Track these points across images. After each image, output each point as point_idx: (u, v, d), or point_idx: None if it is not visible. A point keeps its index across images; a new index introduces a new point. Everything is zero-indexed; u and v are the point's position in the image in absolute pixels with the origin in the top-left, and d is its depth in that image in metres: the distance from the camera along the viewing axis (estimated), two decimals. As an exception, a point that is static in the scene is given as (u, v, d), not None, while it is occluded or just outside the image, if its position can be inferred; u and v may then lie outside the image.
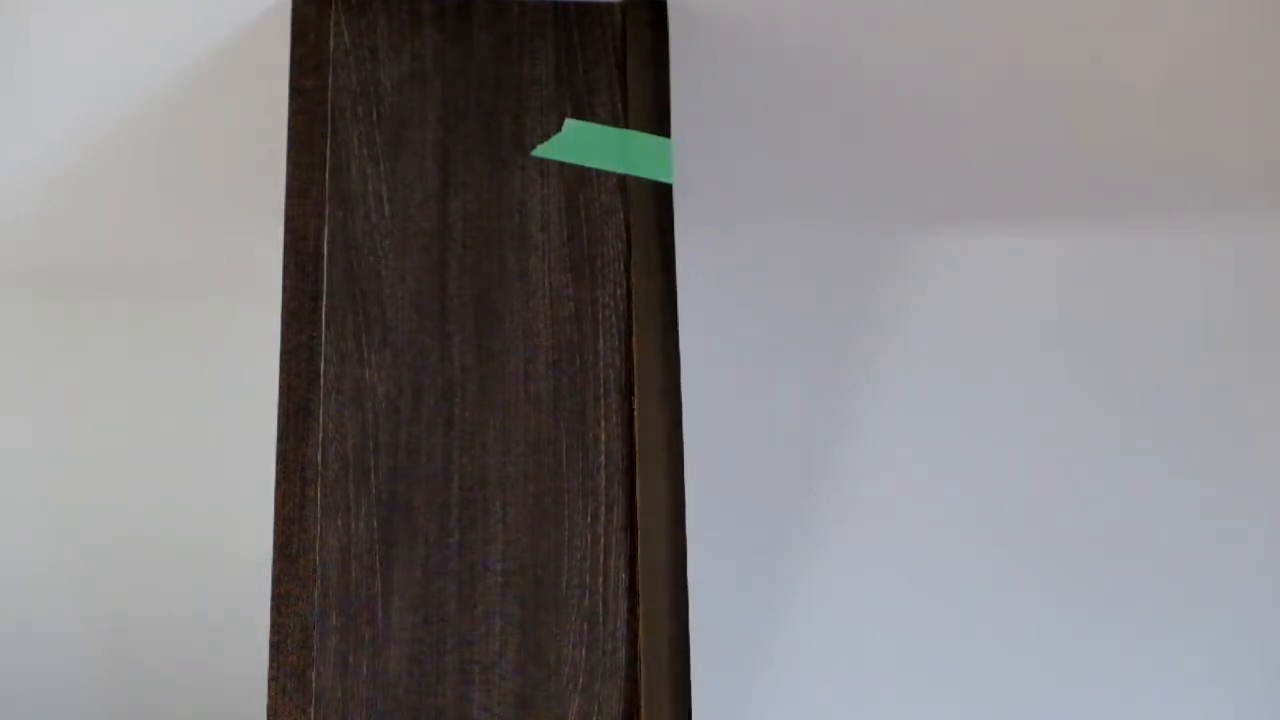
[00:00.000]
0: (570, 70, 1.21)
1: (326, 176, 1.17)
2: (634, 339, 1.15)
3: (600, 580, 1.11)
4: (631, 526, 1.12)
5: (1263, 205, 1.48)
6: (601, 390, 1.14)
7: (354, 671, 1.08)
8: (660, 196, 1.19)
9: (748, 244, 1.47)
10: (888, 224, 1.47)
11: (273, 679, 1.08)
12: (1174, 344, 1.59)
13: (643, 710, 1.08)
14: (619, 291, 1.16)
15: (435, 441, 1.13)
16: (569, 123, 1.20)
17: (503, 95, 1.20)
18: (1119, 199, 1.46)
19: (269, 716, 1.08)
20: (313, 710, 1.07)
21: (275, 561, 1.10)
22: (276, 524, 1.11)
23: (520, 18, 1.22)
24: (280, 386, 1.13)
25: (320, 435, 1.12)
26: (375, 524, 1.11)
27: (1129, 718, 1.81)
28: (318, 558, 1.10)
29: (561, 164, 1.19)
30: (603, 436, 1.13)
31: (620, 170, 1.19)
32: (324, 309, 1.14)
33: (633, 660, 1.10)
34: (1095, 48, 1.33)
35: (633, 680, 1.09)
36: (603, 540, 1.12)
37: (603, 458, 1.13)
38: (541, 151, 1.19)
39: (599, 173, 1.19)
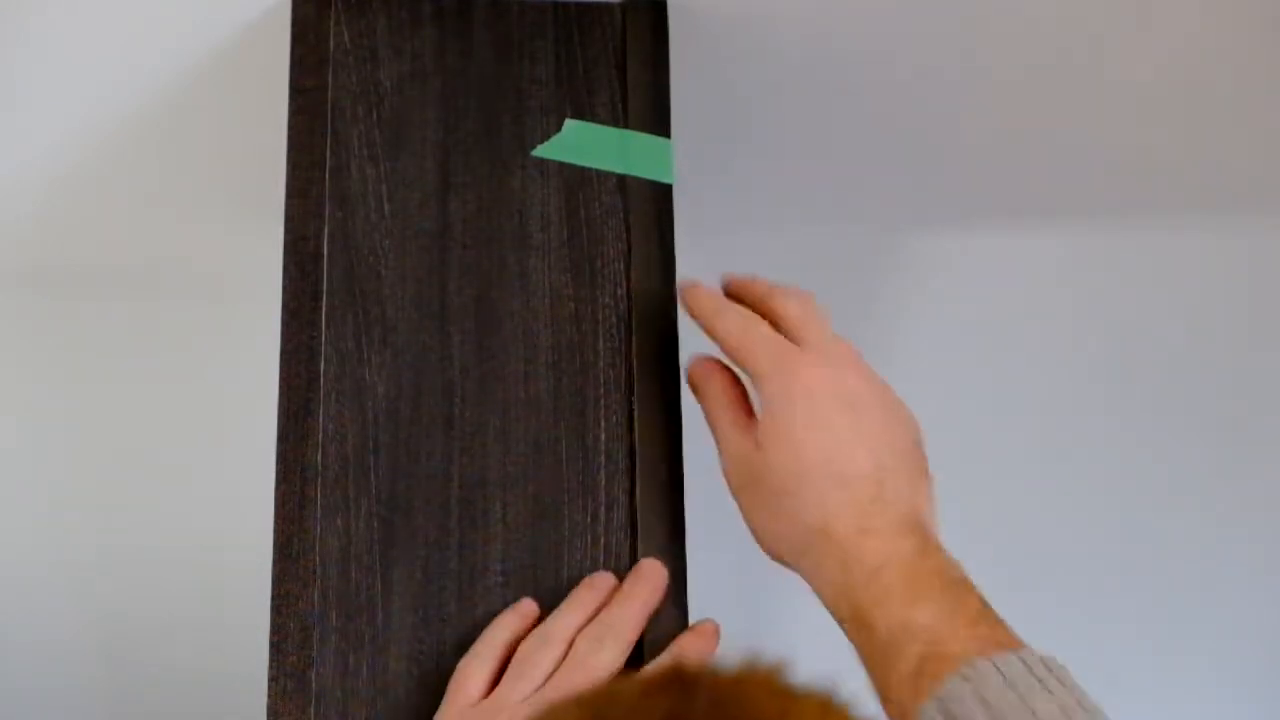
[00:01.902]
0: (570, 70, 1.21)
1: (326, 176, 1.17)
2: (634, 339, 1.15)
3: (600, 580, 1.11)
4: (632, 526, 1.12)
5: (1263, 205, 1.48)
6: (601, 390, 1.14)
7: (354, 672, 1.08)
8: (660, 196, 1.19)
9: (747, 244, 1.47)
10: (888, 224, 1.47)
11: (273, 679, 1.08)
12: (1175, 344, 1.59)
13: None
14: (619, 292, 1.16)
15: (435, 441, 1.13)
16: (569, 123, 1.20)
17: (503, 95, 1.20)
18: (1119, 199, 1.46)
19: (269, 716, 1.07)
20: (313, 710, 1.07)
21: (275, 561, 1.10)
22: (276, 524, 1.10)
23: (520, 18, 1.22)
24: (280, 386, 1.13)
25: (320, 435, 1.12)
26: (375, 524, 1.11)
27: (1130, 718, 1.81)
28: (318, 558, 1.10)
29: (561, 164, 1.19)
30: (603, 436, 1.13)
31: (620, 170, 1.19)
32: (324, 309, 1.14)
33: (633, 661, 1.10)
34: (1096, 47, 1.33)
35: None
36: (603, 540, 1.11)
37: (603, 458, 1.13)
38: (541, 151, 1.19)
39: (599, 173, 1.19)
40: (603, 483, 1.13)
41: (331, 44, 1.20)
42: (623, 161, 1.19)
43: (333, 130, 1.18)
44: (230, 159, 1.37)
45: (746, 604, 1.74)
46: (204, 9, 1.25)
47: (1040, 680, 0.99)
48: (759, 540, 1.09)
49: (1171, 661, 1.88)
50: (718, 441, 1.10)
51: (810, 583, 1.08)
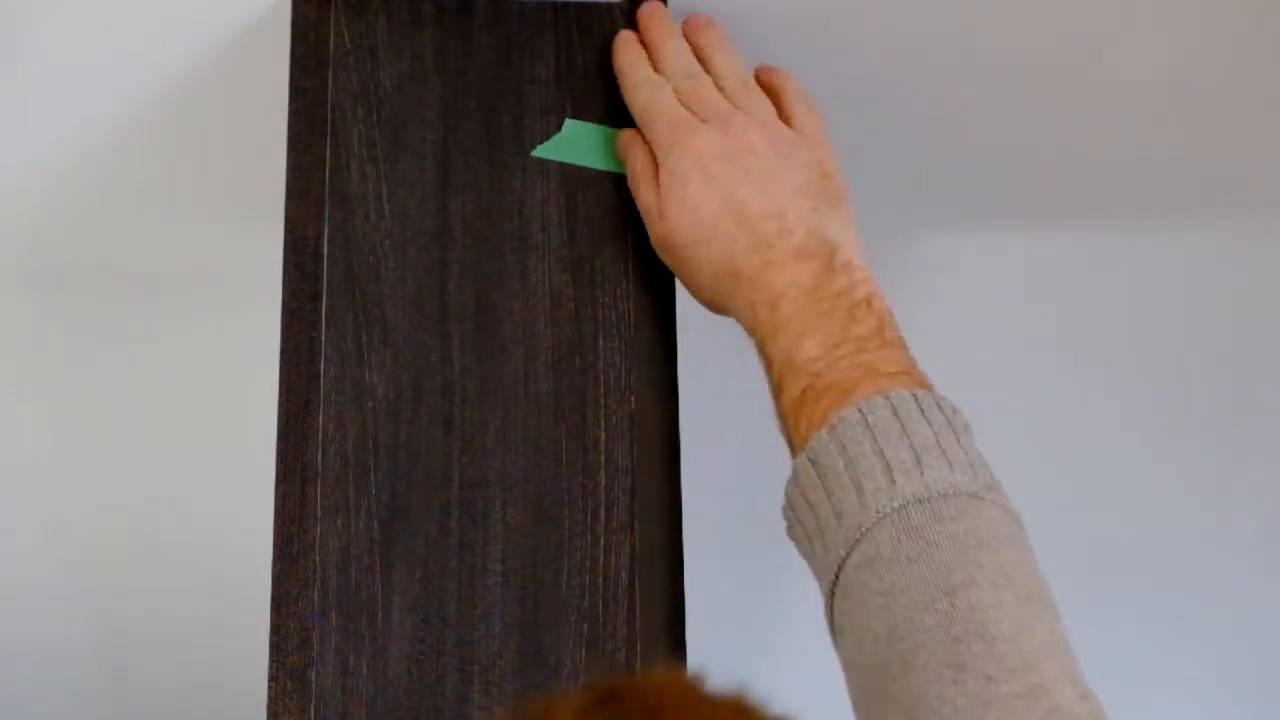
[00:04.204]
0: (570, 70, 1.21)
1: (326, 176, 1.17)
2: (634, 339, 1.15)
3: (600, 580, 1.11)
4: (631, 526, 1.12)
5: (1264, 206, 1.48)
6: (601, 390, 1.14)
7: (354, 671, 1.08)
8: (660, 197, 1.19)
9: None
10: (887, 224, 1.47)
11: (273, 679, 1.08)
12: (1175, 344, 1.59)
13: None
14: (619, 292, 1.16)
15: (435, 441, 1.13)
16: (569, 123, 1.20)
17: (503, 95, 1.20)
18: (1119, 199, 1.46)
19: (269, 716, 1.07)
20: (313, 710, 1.07)
21: (275, 561, 1.10)
22: (276, 524, 1.10)
23: (520, 18, 1.22)
24: (280, 386, 1.13)
25: (320, 435, 1.12)
26: (375, 524, 1.11)
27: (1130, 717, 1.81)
28: (318, 558, 1.10)
29: (561, 164, 1.19)
30: (603, 437, 1.13)
31: (620, 170, 1.19)
32: (324, 309, 1.14)
33: (632, 660, 1.10)
34: (1097, 48, 1.33)
35: (633, 680, 1.09)
36: (603, 540, 1.12)
37: (603, 458, 1.13)
38: (541, 151, 1.19)
39: (599, 173, 1.19)
40: (603, 483, 1.13)
41: (331, 44, 1.20)
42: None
43: (333, 130, 1.18)
44: (230, 159, 1.37)
45: (746, 601, 1.75)
46: (204, 9, 1.25)
47: (903, 422, 1.01)
48: (693, 296, 1.14)
49: (1171, 661, 1.88)
50: (640, 211, 1.16)
51: (736, 320, 1.12)
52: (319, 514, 1.10)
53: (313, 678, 1.08)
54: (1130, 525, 1.74)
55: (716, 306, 1.13)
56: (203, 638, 1.78)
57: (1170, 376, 1.62)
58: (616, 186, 1.18)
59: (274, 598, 1.09)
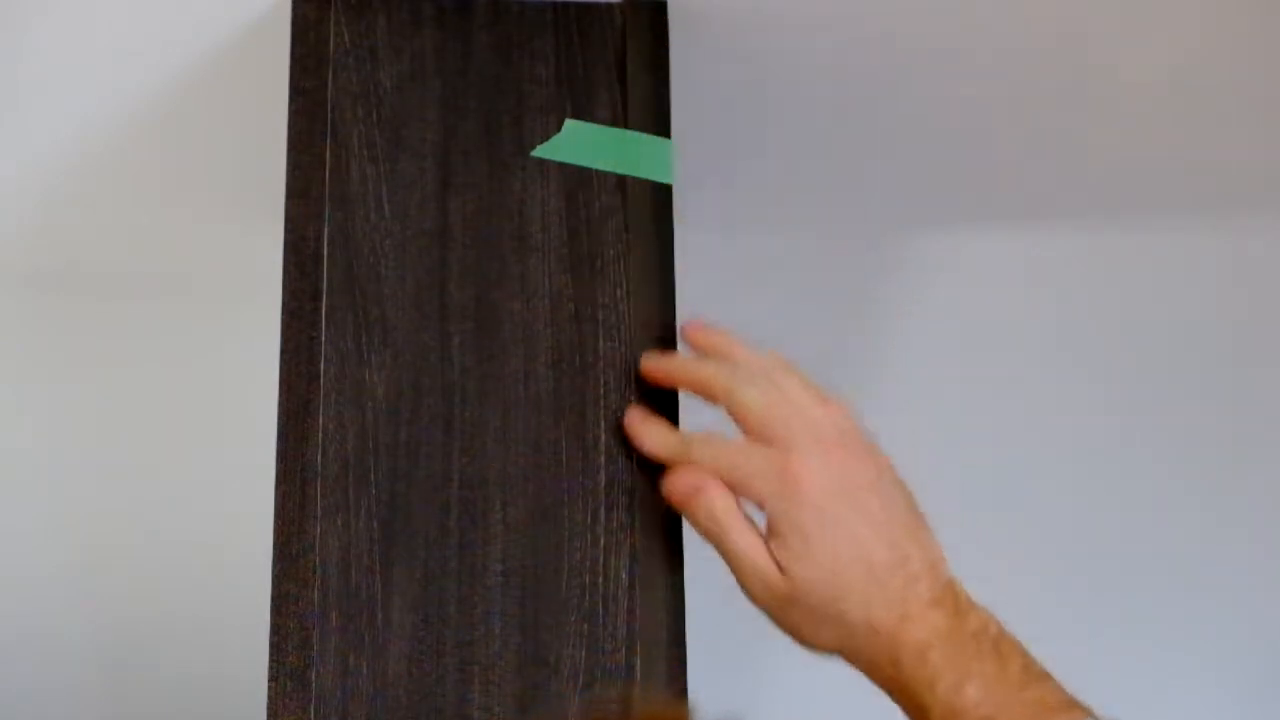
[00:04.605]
0: (570, 70, 1.21)
1: (326, 176, 1.17)
2: (634, 340, 1.15)
3: (600, 580, 1.11)
4: (631, 527, 1.12)
5: (1264, 206, 1.48)
6: (601, 390, 1.14)
7: (354, 672, 1.08)
8: (660, 197, 1.19)
9: (747, 245, 1.47)
10: (888, 224, 1.47)
11: (273, 679, 1.08)
12: (1175, 344, 1.59)
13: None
14: (619, 292, 1.16)
15: (435, 441, 1.13)
16: (569, 123, 1.20)
17: (503, 95, 1.20)
18: (1119, 199, 1.46)
19: (269, 716, 1.08)
20: (313, 710, 1.07)
21: (275, 561, 1.10)
22: (276, 524, 1.10)
23: (520, 18, 1.22)
24: (280, 386, 1.13)
25: (320, 435, 1.12)
26: (375, 524, 1.11)
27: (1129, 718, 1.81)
28: (317, 558, 1.10)
29: (561, 164, 1.19)
30: (603, 437, 1.13)
31: (620, 170, 1.19)
32: (324, 309, 1.14)
33: (632, 661, 1.10)
34: (1096, 47, 1.33)
35: (633, 680, 1.09)
36: (603, 540, 1.12)
37: (603, 458, 1.13)
38: (541, 151, 1.19)
39: (599, 173, 1.19)
40: (603, 483, 1.13)
41: (331, 44, 1.20)
42: (623, 161, 1.19)
43: (333, 130, 1.18)
44: (230, 159, 1.37)
45: (745, 601, 1.74)
46: (204, 9, 1.25)
47: None
48: (801, 643, 1.10)
49: (1172, 661, 1.88)
50: (733, 561, 1.10)
51: (862, 671, 1.09)
52: (319, 514, 1.11)
53: (313, 678, 1.08)
54: (1130, 525, 1.74)
55: (829, 651, 1.10)
56: (203, 638, 1.78)
57: (1170, 377, 1.62)
58: (616, 186, 1.18)
59: (274, 598, 1.09)
